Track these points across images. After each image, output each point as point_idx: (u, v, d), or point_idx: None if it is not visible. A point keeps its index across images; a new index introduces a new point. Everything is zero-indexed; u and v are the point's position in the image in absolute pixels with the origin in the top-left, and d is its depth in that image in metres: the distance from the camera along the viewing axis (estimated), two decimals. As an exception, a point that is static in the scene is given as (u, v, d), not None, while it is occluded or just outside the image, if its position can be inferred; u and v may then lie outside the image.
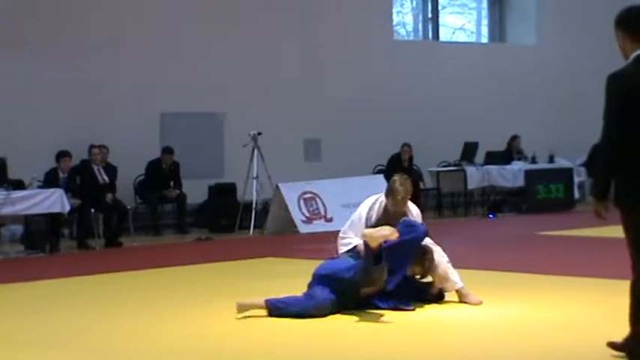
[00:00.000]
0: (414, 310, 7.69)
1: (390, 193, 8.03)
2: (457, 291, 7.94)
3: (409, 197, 8.09)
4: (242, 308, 7.60)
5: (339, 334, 7.03)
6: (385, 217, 8.03)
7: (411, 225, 7.75)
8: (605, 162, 5.42)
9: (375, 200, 8.22)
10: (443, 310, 7.77)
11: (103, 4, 16.16)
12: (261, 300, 7.63)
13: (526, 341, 6.64)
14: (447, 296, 8.05)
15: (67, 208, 13.21)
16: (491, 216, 17.23)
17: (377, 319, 7.46)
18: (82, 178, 14.23)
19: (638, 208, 5.31)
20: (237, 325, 7.41)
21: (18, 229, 13.55)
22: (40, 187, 13.45)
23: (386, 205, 8.10)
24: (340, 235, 8.25)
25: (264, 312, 7.63)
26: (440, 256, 8.03)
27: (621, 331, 6.87)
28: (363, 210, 8.20)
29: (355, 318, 7.47)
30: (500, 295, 8.25)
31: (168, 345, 6.86)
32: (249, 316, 7.64)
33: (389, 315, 7.56)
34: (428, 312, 7.71)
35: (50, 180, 13.82)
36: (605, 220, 5.42)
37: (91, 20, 16.02)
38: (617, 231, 12.22)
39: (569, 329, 7.01)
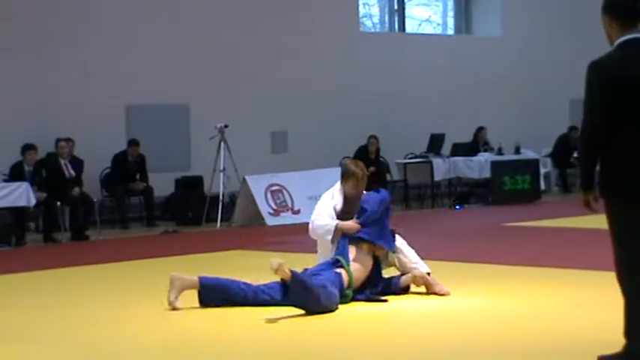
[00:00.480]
0: (387, 301, 7.74)
1: (349, 176, 8.15)
2: (425, 281, 7.99)
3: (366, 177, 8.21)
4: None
5: (323, 328, 7.05)
6: (347, 204, 8.13)
7: (373, 197, 8.08)
8: (587, 152, 5.33)
9: (332, 191, 8.29)
10: (412, 302, 7.80)
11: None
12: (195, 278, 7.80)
13: (493, 332, 6.68)
14: (415, 287, 8.08)
15: (33, 201, 13.14)
16: (458, 207, 17.31)
17: (352, 312, 7.48)
18: (48, 171, 14.14)
19: (616, 200, 5.26)
20: (204, 317, 7.40)
21: (-17, 222, 13.45)
22: (5, 180, 13.37)
23: (344, 193, 8.16)
24: (315, 222, 8.23)
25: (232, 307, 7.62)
26: (406, 245, 8.14)
27: (588, 320, 6.95)
28: (326, 201, 8.25)
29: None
30: (467, 286, 8.29)
31: (135, 337, 6.85)
32: (209, 309, 7.63)
33: (363, 307, 7.59)
34: (397, 303, 7.74)
35: (16, 173, 13.74)
36: (595, 211, 5.34)
37: (56, 14, 15.89)
38: (583, 221, 12.35)
39: (535, 320, 7.05)
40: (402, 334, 6.77)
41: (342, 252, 7.91)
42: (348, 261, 7.83)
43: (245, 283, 7.84)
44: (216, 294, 7.74)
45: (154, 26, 16.76)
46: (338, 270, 7.77)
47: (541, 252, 10.85)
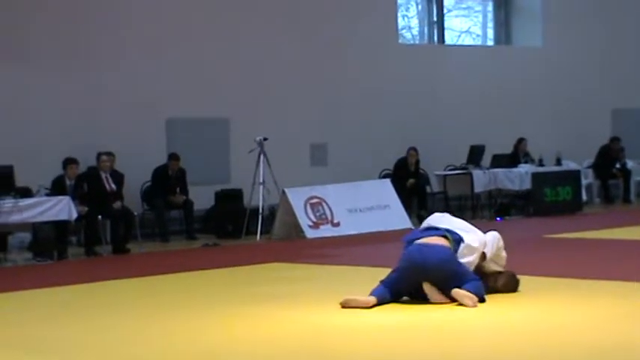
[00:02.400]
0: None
1: None
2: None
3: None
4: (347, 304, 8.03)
5: (350, 334, 7.03)
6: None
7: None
8: None
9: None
10: (445, 312, 7.75)
11: (108, 13, 16.15)
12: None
13: (533, 344, 6.61)
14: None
15: (75, 215, 13.22)
16: (498, 219, 17.19)
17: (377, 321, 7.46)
18: (90, 185, 14.23)
19: None
20: (243, 329, 7.41)
21: (26, 236, 13.55)
22: (47, 194, 13.47)
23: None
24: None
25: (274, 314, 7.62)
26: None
27: (631, 332, 6.86)
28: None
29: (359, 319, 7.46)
30: (509, 298, 8.22)
31: (175, 350, 6.86)
32: (251, 320, 7.64)
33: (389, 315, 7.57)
34: (432, 314, 7.69)
35: (57, 187, 13.83)
36: None
37: (96, 29, 16.02)
38: (625, 233, 12.22)
39: (578, 331, 6.97)
40: (442, 343, 6.73)
41: None
42: None
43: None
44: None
45: (194, 41, 16.84)
46: None
47: (583, 263, 10.74)
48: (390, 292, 8.13)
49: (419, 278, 8.11)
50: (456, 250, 8.24)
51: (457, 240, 8.31)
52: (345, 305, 8.00)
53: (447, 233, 8.31)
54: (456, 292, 7.94)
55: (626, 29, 21.93)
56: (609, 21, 21.64)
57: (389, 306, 8.10)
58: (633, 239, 12.83)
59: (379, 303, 8.05)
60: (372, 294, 8.10)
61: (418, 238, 8.30)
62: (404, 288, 8.15)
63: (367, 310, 7.93)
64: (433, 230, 8.38)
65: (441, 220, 8.59)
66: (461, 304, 7.89)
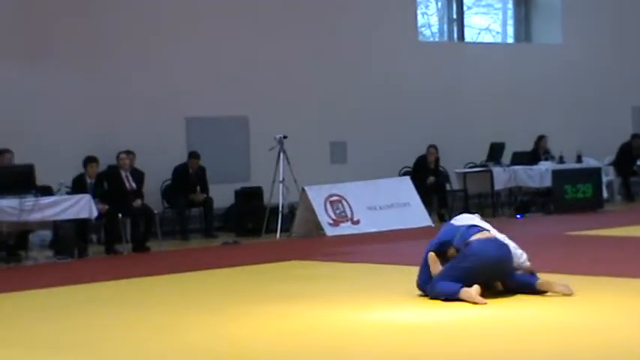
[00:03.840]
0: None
1: None
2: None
3: None
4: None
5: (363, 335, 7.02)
6: None
7: None
8: None
9: None
10: (463, 310, 7.73)
11: (128, 13, 16.20)
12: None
13: (556, 341, 6.58)
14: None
15: (95, 213, 13.26)
16: (518, 217, 17.14)
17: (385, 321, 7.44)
18: (110, 183, 14.28)
19: None
20: (262, 327, 7.41)
21: (47, 234, 13.60)
22: (67, 192, 13.52)
23: None
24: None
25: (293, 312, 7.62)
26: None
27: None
28: None
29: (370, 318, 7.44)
30: (530, 295, 8.19)
31: (196, 348, 6.87)
32: (271, 318, 7.64)
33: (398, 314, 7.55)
34: (455, 311, 7.67)
35: (78, 186, 13.88)
36: None
37: (116, 28, 16.07)
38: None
39: (599, 330, 6.94)
40: (454, 343, 6.71)
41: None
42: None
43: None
44: None
45: (213, 39, 16.87)
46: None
47: (604, 261, 10.69)
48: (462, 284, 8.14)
49: (494, 272, 8.24)
50: None
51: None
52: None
53: (485, 229, 8.44)
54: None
55: (647, 26, 21.81)
56: (629, 17, 21.53)
57: (412, 305, 8.08)
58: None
59: None
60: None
61: (471, 236, 8.29)
62: (477, 281, 8.15)
63: (391, 308, 7.93)
64: (477, 228, 8.41)
65: (474, 219, 8.64)
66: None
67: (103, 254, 13.78)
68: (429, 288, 8.28)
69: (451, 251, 8.34)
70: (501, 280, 8.35)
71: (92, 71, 15.81)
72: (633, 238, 12.92)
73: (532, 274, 8.38)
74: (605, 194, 18.40)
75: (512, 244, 8.50)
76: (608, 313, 7.52)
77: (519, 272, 8.38)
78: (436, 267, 8.34)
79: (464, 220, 8.65)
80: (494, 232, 8.48)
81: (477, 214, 8.94)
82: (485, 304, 7.85)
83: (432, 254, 8.40)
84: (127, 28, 16.17)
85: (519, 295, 8.20)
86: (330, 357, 6.46)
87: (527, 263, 8.48)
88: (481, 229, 8.39)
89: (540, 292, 8.23)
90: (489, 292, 8.18)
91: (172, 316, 8.23)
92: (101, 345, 7.14)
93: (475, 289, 7.98)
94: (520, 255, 8.48)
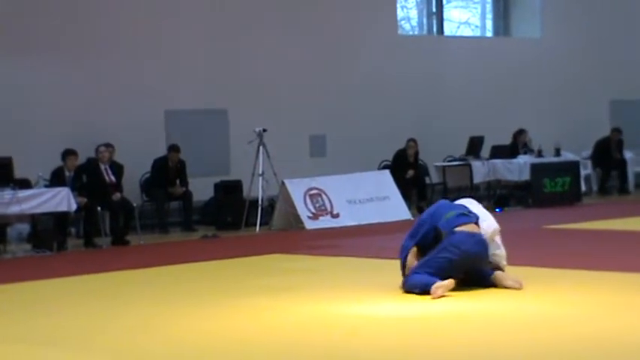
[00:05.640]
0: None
1: None
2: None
3: None
4: None
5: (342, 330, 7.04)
6: None
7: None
8: None
9: None
10: (443, 303, 7.76)
11: (108, 6, 16.13)
12: None
13: (532, 335, 6.62)
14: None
15: (74, 206, 13.21)
16: (497, 210, 17.18)
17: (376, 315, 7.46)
18: (89, 176, 14.22)
19: None
20: (243, 320, 7.41)
21: (25, 228, 13.54)
22: (46, 185, 13.46)
23: None
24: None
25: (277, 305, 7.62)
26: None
27: (627, 324, 6.87)
28: None
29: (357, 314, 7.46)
30: (508, 289, 8.23)
31: (176, 342, 6.86)
32: (251, 311, 7.65)
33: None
34: (436, 304, 7.70)
35: (56, 179, 13.82)
36: None
37: (95, 20, 16.00)
38: (624, 224, 12.19)
39: (576, 323, 6.98)
40: (428, 336, 6.73)
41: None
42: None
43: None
44: None
45: (192, 32, 16.83)
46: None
47: (582, 254, 10.75)
48: (439, 278, 8.14)
49: (469, 267, 8.28)
50: None
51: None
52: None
53: (475, 219, 8.48)
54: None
55: (625, 20, 21.91)
56: (607, 12, 21.62)
57: (393, 298, 8.10)
58: (632, 230, 12.85)
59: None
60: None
61: (457, 225, 8.32)
62: (454, 274, 8.19)
63: (372, 301, 7.95)
64: (466, 217, 8.43)
65: (471, 204, 8.74)
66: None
67: (81, 248, 13.74)
68: (404, 280, 8.30)
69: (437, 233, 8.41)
70: (471, 273, 8.37)
71: (72, 64, 15.73)
72: (611, 232, 12.99)
73: (493, 268, 8.41)
74: (583, 188, 18.51)
75: (498, 241, 8.52)
76: (581, 306, 7.56)
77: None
78: (413, 261, 8.38)
79: (460, 204, 8.71)
80: (486, 224, 8.48)
81: (473, 200, 8.95)
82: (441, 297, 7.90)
83: (414, 249, 8.43)
84: (107, 22, 16.10)
85: (492, 288, 8.25)
86: (315, 350, 6.47)
87: (504, 262, 8.52)
88: (468, 222, 8.40)
89: (494, 285, 8.27)
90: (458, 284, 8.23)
91: (153, 309, 8.22)
92: (80, 339, 7.12)
93: (449, 282, 7.99)
94: (500, 254, 8.50)
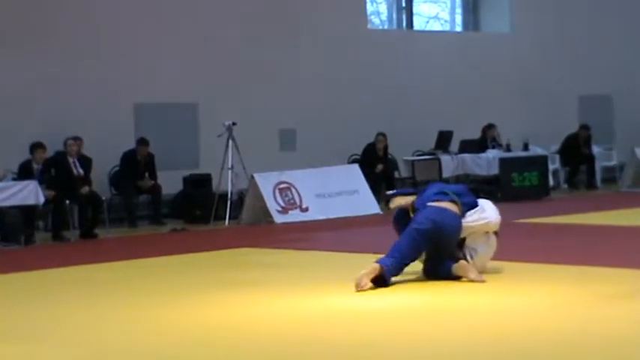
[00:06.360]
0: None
1: None
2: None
3: None
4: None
5: (317, 322, 7.05)
6: None
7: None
8: None
9: None
10: (404, 297, 7.79)
11: (76, -4, 16.06)
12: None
13: (496, 329, 6.66)
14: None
15: (42, 199, 13.15)
16: (466, 204, 17.26)
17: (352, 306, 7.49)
18: (57, 169, 14.16)
19: None
20: (213, 314, 7.41)
21: (-8, 221, 13.47)
22: (14, 179, 13.38)
23: None
24: None
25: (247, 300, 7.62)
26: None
27: (591, 318, 6.93)
28: None
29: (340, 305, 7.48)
30: (476, 283, 8.27)
31: (141, 335, 6.85)
32: (221, 305, 7.64)
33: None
34: (405, 298, 7.73)
35: (24, 172, 13.75)
36: None
37: (64, 13, 15.91)
38: (592, 218, 12.25)
39: (540, 316, 7.03)
40: (393, 330, 6.76)
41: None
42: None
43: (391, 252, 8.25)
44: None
45: (162, 25, 16.77)
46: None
47: (551, 248, 10.82)
48: (404, 257, 8.21)
49: (435, 239, 8.29)
50: (463, 215, 8.52)
51: (468, 204, 8.62)
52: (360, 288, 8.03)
53: (456, 198, 8.47)
54: (464, 267, 8.33)
55: (593, 15, 22.05)
56: (576, 7, 21.75)
57: (363, 292, 8.12)
58: (600, 224, 12.96)
59: (384, 274, 8.12)
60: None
61: (431, 202, 8.40)
62: (423, 248, 8.27)
63: (340, 295, 7.96)
64: (442, 195, 8.49)
65: (445, 185, 8.99)
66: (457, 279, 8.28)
67: (49, 241, 13.68)
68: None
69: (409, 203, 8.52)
70: (438, 250, 8.43)
71: (39, 56, 15.64)
72: (578, 226, 13.09)
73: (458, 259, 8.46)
74: (551, 182, 18.62)
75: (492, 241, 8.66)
76: (545, 300, 7.61)
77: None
78: (400, 201, 8.64)
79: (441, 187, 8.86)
80: (491, 218, 8.66)
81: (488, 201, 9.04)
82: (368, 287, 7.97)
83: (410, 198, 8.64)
84: (75, 14, 16.01)
85: (454, 282, 8.31)
86: (282, 343, 6.48)
87: (477, 259, 8.57)
88: (443, 199, 8.46)
89: (456, 277, 8.31)
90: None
91: (120, 303, 8.20)
92: (47, 332, 7.09)
93: (372, 268, 8.05)
94: (482, 252, 8.56)
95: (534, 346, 6.05)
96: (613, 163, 21.04)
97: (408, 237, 8.26)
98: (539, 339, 6.26)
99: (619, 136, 21.87)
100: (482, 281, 8.25)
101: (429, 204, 8.42)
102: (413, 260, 8.33)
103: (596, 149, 20.32)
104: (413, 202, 8.53)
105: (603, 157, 20.74)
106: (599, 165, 20.35)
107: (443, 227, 8.30)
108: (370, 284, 8.00)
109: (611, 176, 20.80)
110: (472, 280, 8.24)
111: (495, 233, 8.86)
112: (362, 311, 7.43)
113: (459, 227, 8.43)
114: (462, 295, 7.89)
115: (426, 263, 8.49)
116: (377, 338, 6.54)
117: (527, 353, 5.89)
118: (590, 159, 20.02)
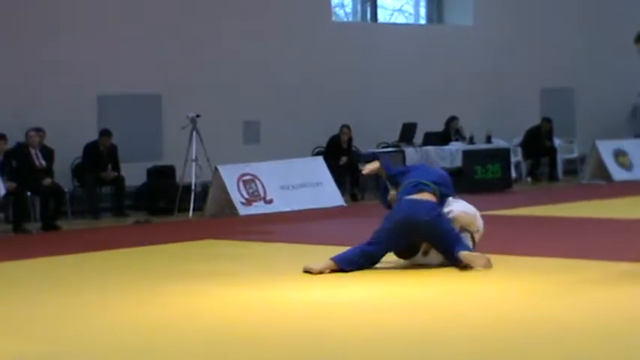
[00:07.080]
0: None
1: None
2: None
3: None
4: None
5: (292, 312, 7.05)
6: None
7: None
8: None
9: None
10: (378, 288, 7.83)
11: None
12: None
13: (460, 320, 6.71)
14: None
15: (3, 191, 13.05)
16: (429, 196, 17.34)
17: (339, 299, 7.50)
18: (18, 161, 14.05)
19: None
20: (177, 306, 7.40)
21: (-48, 213, 13.36)
22: (-26, 170, 13.26)
23: None
24: None
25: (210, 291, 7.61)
26: None
27: (550, 308, 7.00)
28: None
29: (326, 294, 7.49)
30: (439, 275, 8.33)
31: (105, 328, 6.82)
32: (185, 297, 7.63)
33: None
34: (362, 289, 7.76)
35: (-15, 163, 13.63)
36: None
37: (27, 2, 15.77)
38: (553, 210, 12.33)
39: (500, 306, 7.09)
40: (360, 320, 6.79)
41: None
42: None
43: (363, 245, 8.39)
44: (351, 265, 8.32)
45: (124, 16, 16.67)
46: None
47: (513, 240, 10.90)
48: (379, 248, 8.34)
49: (411, 234, 8.35)
50: (442, 203, 8.61)
51: (445, 194, 8.71)
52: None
53: (435, 188, 8.53)
54: (465, 254, 8.34)
55: (556, 8, 22.19)
56: (539, 0, 21.87)
57: (326, 283, 8.14)
58: (562, 216, 13.08)
59: (341, 268, 8.24)
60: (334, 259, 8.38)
61: (408, 194, 8.44)
62: (395, 243, 8.32)
63: (304, 286, 7.98)
64: (422, 186, 8.53)
65: (428, 171, 9.03)
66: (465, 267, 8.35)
67: (10, 233, 13.57)
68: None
69: (392, 193, 8.64)
70: (428, 243, 8.49)
71: (2, 46, 15.48)
72: (540, 218, 13.19)
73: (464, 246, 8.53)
74: (513, 174, 18.75)
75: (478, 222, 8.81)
76: (507, 290, 7.68)
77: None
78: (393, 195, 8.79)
79: (419, 171, 9.00)
80: (456, 211, 8.68)
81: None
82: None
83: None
84: (36, 4, 15.87)
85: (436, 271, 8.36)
86: (245, 335, 6.48)
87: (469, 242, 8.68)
88: (423, 190, 8.50)
89: (461, 265, 8.39)
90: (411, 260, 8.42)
91: (82, 295, 8.16)
92: (7, 325, 7.04)
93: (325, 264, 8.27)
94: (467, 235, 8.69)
95: (503, 334, 6.11)
96: (574, 155, 21.20)
97: (379, 234, 8.37)
98: (506, 328, 6.32)
99: (580, 128, 22.05)
100: (490, 267, 8.37)
101: (406, 197, 8.45)
102: (388, 251, 8.43)
103: (557, 142, 20.48)
104: (383, 169, 8.75)
105: (565, 149, 20.91)
106: (560, 157, 20.52)
107: (416, 219, 8.33)
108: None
109: (573, 168, 20.96)
110: (481, 267, 8.35)
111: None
112: (324, 302, 7.44)
113: (435, 216, 8.44)
114: (429, 285, 7.94)
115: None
116: (339, 328, 6.57)
117: (496, 339, 5.94)
118: (552, 151, 20.17)
